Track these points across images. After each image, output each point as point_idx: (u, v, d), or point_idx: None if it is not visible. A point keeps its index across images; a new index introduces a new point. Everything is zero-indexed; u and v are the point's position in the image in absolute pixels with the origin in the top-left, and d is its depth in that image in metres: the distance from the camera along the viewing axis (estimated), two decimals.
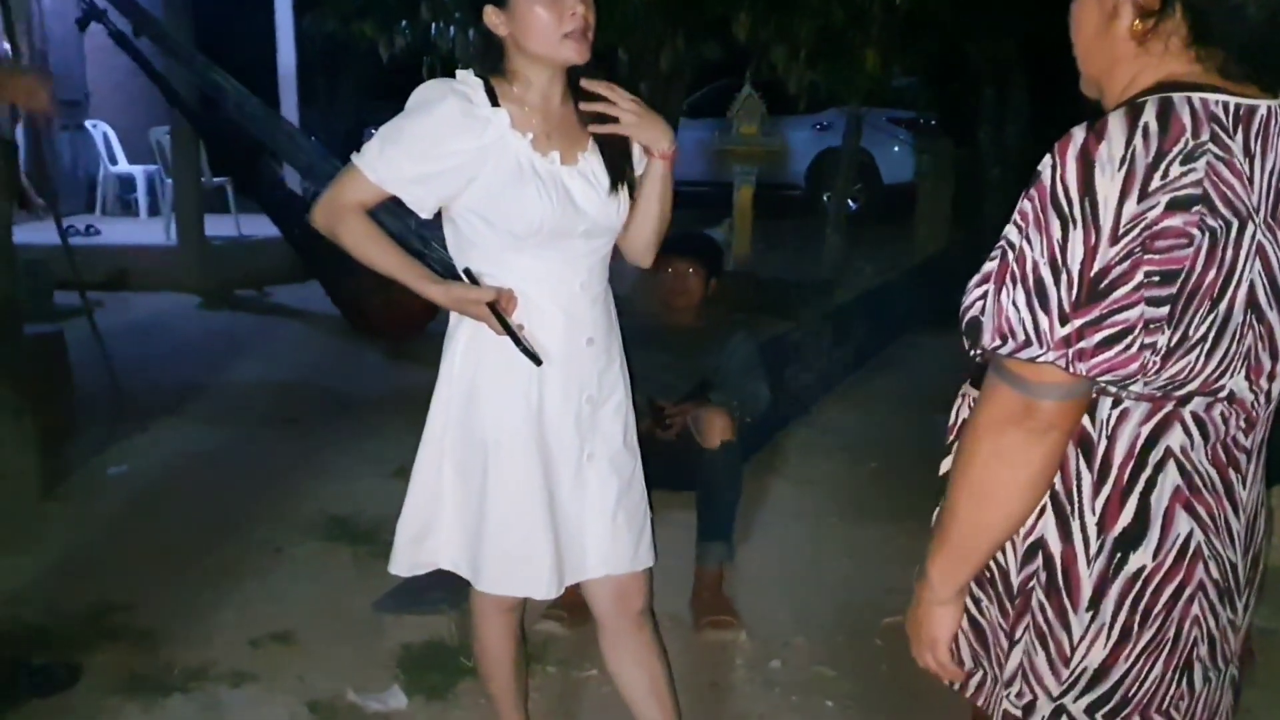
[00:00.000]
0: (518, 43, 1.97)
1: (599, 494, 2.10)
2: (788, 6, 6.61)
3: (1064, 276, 1.19)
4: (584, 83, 2.02)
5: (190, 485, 4.23)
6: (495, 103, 1.99)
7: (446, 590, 3.01)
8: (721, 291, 3.73)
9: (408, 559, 2.16)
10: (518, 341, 1.99)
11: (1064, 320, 1.19)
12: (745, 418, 3.58)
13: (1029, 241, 1.22)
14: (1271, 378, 1.28)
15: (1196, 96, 1.21)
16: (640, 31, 7.01)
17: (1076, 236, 1.18)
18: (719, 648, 3.03)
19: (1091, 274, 1.18)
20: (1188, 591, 1.31)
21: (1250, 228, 1.21)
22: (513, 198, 1.96)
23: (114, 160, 9.57)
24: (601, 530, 2.11)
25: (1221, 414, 1.27)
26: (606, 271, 2.13)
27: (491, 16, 1.97)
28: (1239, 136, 1.21)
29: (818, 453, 4.61)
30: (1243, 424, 1.29)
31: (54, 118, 4.46)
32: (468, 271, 2.04)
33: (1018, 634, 1.35)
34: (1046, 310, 1.20)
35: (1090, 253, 1.18)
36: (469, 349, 2.07)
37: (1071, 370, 1.20)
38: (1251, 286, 1.23)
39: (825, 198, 11.62)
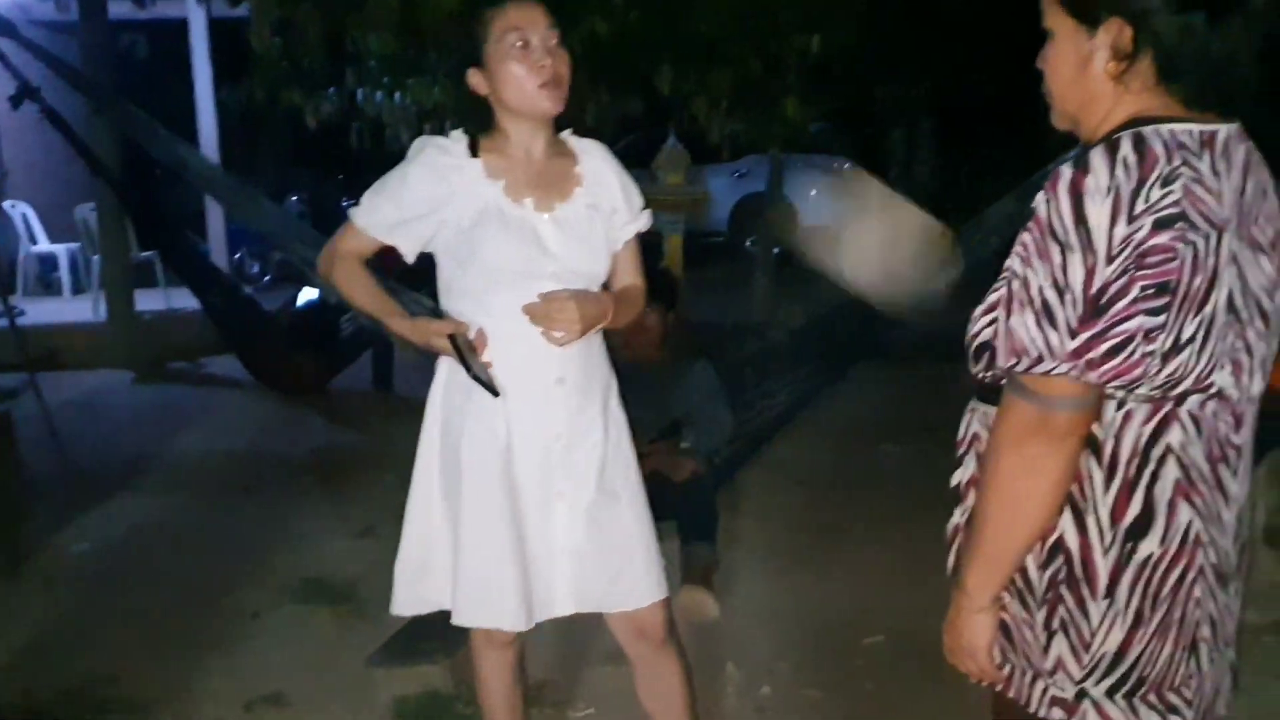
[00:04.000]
0: (498, 99, 2.12)
1: (566, 532, 2.17)
2: (707, 59, 6.81)
3: (1068, 296, 1.33)
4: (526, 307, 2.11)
5: (156, 558, 4.20)
6: (475, 154, 2.13)
7: (440, 640, 3.05)
8: (680, 323, 3.88)
9: (409, 599, 2.25)
10: (471, 371, 2.10)
11: (1072, 335, 1.32)
12: (713, 459, 3.72)
13: (1032, 269, 1.35)
14: (1250, 375, 1.43)
15: (1165, 128, 1.36)
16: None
17: (1075, 260, 1.32)
18: (710, 678, 3.10)
19: (1092, 292, 1.32)
20: (1191, 575, 1.44)
21: (1225, 237, 1.36)
22: (478, 240, 2.10)
23: (34, 240, 9.42)
24: (569, 568, 2.18)
25: (1213, 411, 1.41)
26: None
27: (473, 77, 2.13)
28: (1206, 158, 1.36)
29: (776, 488, 4.72)
30: (1230, 420, 1.43)
31: None
32: (434, 308, 2.20)
33: (1054, 625, 1.46)
34: (1055, 328, 1.33)
35: (1089, 273, 1.32)
36: (447, 387, 2.20)
37: (1083, 380, 1.33)
38: (1230, 290, 1.37)
39: (749, 242, 11.88)
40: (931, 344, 6.00)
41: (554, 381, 2.15)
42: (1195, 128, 1.37)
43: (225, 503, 4.83)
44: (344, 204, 12.84)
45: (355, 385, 6.83)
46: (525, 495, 2.14)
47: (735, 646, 3.27)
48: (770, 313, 8.51)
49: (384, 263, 2.27)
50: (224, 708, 3.01)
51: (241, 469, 5.38)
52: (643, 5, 6.20)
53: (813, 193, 12.37)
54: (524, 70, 2.07)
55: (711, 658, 3.17)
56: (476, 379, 2.10)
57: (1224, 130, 1.39)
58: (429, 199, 2.12)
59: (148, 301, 8.45)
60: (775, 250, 9.55)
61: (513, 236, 2.10)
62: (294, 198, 11.85)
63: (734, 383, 4.56)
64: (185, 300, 8.88)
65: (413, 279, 3.10)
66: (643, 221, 2.27)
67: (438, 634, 3.04)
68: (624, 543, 2.21)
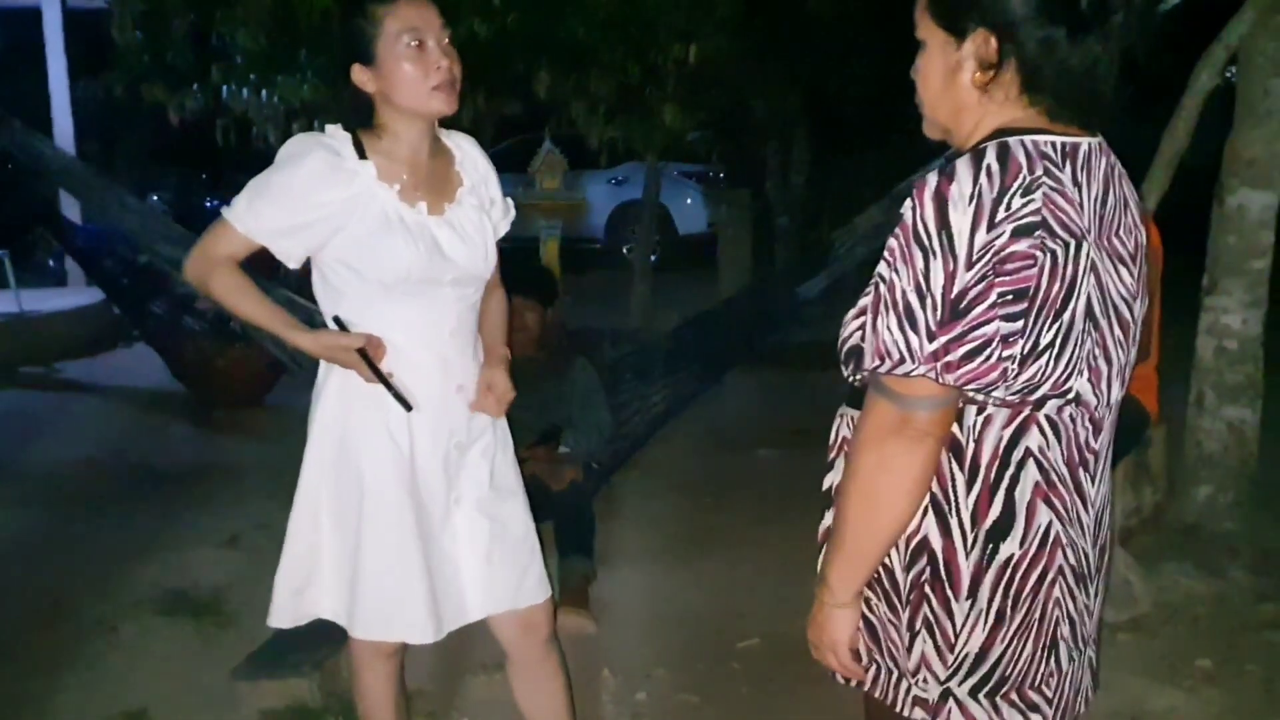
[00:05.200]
0: (387, 98, 2.05)
1: (470, 537, 2.16)
2: (585, 64, 6.81)
3: (929, 300, 1.36)
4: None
5: (7, 572, 3.99)
6: (363, 155, 2.05)
7: (306, 651, 2.98)
8: (558, 320, 3.87)
9: (289, 611, 2.18)
10: (389, 387, 2.05)
11: (931, 338, 1.36)
12: (592, 463, 3.72)
13: (897, 273, 1.39)
14: (1109, 382, 1.48)
15: (1029, 139, 1.40)
16: None
17: (937, 265, 1.35)
18: (585, 685, 3.09)
19: (952, 296, 1.35)
20: (1050, 576, 1.49)
21: (1085, 246, 1.40)
22: (381, 247, 2.03)
23: None
24: (477, 572, 2.17)
25: (1070, 415, 1.46)
26: (475, 319, 2.22)
27: (359, 74, 2.05)
28: (1067, 169, 1.41)
29: (651, 493, 4.74)
30: (1089, 425, 1.48)
31: None
32: (337, 319, 2.09)
33: (917, 626, 1.50)
34: (916, 330, 1.37)
35: (949, 278, 1.35)
36: (339, 399, 2.11)
37: (941, 381, 1.37)
38: (1088, 298, 1.42)
39: (626, 250, 11.93)
40: (806, 349, 6.13)
41: (455, 389, 2.14)
42: (1058, 139, 1.42)
43: (82, 514, 4.62)
44: (209, 203, 12.47)
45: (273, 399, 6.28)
46: (428, 506, 2.12)
47: (611, 653, 3.27)
48: (648, 320, 8.56)
49: (265, 266, 2.17)
50: None
51: (99, 478, 5.17)
52: (521, 7, 6.17)
53: (688, 201, 12.52)
54: (420, 72, 2.01)
55: (587, 665, 3.15)
56: (395, 395, 2.05)
57: (1086, 143, 1.44)
58: (325, 204, 2.01)
59: None
60: (652, 257, 9.60)
61: (415, 245, 2.04)
62: (155, 197, 11.46)
63: (611, 387, 4.57)
64: (39, 302, 8.54)
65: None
66: (511, 214, 2.29)
67: (305, 645, 2.98)
68: (525, 538, 2.23)
